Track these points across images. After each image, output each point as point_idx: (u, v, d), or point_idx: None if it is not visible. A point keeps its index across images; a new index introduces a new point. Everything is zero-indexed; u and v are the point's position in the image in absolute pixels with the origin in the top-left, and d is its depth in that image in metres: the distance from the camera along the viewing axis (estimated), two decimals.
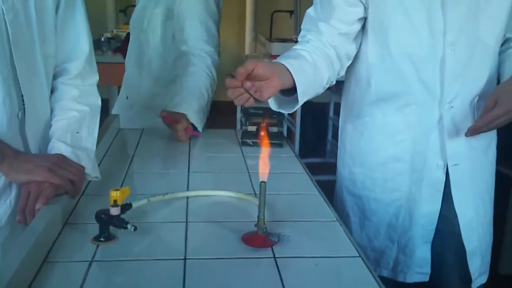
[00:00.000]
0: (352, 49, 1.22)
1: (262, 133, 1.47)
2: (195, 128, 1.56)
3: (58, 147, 1.03)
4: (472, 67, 1.17)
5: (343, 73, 1.22)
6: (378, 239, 1.28)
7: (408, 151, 1.22)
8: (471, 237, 1.23)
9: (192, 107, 1.56)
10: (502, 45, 1.22)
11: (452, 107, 1.18)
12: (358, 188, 1.31)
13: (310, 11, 1.22)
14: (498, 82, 1.24)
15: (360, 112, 1.28)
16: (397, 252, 1.27)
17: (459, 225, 1.22)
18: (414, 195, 1.23)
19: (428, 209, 1.23)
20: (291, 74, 1.05)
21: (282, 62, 1.06)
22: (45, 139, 1.07)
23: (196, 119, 1.55)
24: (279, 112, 1.45)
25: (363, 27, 1.21)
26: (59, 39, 1.08)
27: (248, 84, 0.95)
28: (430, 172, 1.21)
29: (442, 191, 1.22)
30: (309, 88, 1.08)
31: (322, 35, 1.17)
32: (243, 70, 0.96)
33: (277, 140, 1.50)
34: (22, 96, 0.99)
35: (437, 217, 1.23)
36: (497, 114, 1.08)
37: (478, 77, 1.19)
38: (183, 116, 1.52)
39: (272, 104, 1.14)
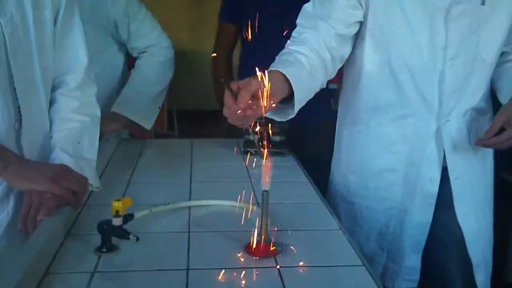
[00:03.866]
0: (346, 51, 1.20)
1: (265, 142, 1.47)
2: (140, 127, 1.66)
3: (60, 157, 1.03)
4: (470, 81, 1.18)
5: (334, 75, 1.19)
6: (369, 246, 1.29)
7: (403, 162, 1.22)
8: (476, 249, 1.23)
9: (131, 108, 1.63)
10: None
11: (448, 120, 1.18)
12: (351, 195, 1.31)
13: (308, 6, 1.19)
14: (492, 94, 1.25)
15: (356, 119, 1.28)
16: (387, 259, 1.28)
17: (462, 236, 1.22)
18: (406, 206, 1.24)
19: (420, 220, 1.23)
20: (288, 82, 1.00)
21: (282, 71, 1.00)
22: (43, 151, 1.07)
23: (139, 118, 1.64)
24: (282, 121, 1.45)
25: (358, 32, 1.19)
26: (57, 51, 1.08)
27: (249, 113, 0.89)
28: (423, 184, 1.22)
29: (435, 203, 1.22)
30: (304, 96, 1.05)
31: (319, 34, 1.13)
32: (247, 95, 0.88)
33: (279, 149, 1.50)
34: (19, 107, 0.99)
35: (429, 228, 1.23)
36: (511, 135, 1.09)
37: (475, 91, 1.20)
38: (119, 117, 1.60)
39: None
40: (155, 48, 1.70)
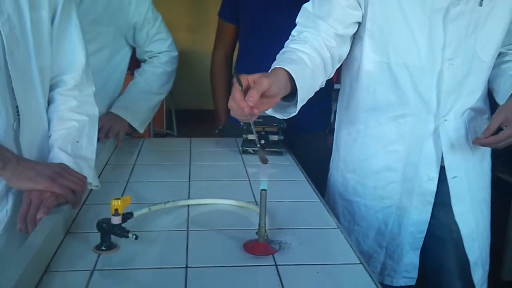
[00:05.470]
0: (345, 51, 1.21)
1: (263, 142, 1.48)
2: (134, 130, 1.67)
3: (59, 156, 1.04)
4: (468, 82, 1.18)
5: (332, 75, 1.20)
6: (367, 244, 1.30)
7: (401, 161, 1.23)
8: (473, 248, 1.24)
9: (131, 112, 1.64)
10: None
11: (446, 120, 1.19)
12: (349, 193, 1.32)
13: (307, 6, 1.19)
14: (489, 95, 1.26)
15: (355, 118, 1.29)
16: (385, 257, 1.28)
17: (460, 234, 1.23)
18: (405, 204, 1.24)
19: (418, 218, 1.24)
20: (291, 80, 1.00)
21: (287, 68, 1.00)
22: (42, 150, 1.07)
23: (136, 123, 1.66)
24: (280, 120, 1.45)
25: (356, 32, 1.20)
26: (55, 51, 1.08)
27: (255, 112, 0.88)
28: (420, 183, 1.22)
29: (433, 202, 1.23)
30: (306, 95, 1.06)
31: (320, 33, 1.14)
32: (256, 95, 0.87)
33: (277, 148, 1.50)
34: (17, 107, 0.99)
35: (427, 226, 1.24)
36: (508, 134, 1.10)
37: (473, 91, 1.21)
38: (119, 119, 1.60)
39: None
40: (166, 56, 1.72)
